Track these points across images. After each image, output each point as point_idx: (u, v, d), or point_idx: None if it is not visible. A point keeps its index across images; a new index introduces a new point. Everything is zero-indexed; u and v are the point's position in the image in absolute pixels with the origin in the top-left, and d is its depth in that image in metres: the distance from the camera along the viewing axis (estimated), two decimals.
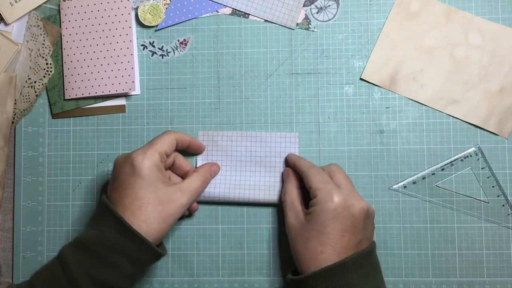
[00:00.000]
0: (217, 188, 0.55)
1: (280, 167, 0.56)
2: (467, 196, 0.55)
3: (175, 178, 0.54)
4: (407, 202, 0.56)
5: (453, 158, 0.55)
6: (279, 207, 0.56)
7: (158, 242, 0.48)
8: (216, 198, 0.55)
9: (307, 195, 0.51)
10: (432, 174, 0.55)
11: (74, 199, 0.58)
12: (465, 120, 0.55)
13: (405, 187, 0.55)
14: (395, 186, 0.55)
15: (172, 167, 0.54)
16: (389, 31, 0.56)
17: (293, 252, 0.49)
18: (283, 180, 0.55)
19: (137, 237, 0.45)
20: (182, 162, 0.54)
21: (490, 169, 0.55)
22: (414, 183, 0.55)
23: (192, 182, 0.51)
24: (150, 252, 0.46)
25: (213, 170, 0.55)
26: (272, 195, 0.55)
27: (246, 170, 0.56)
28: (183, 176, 0.54)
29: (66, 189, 0.58)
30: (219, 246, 0.56)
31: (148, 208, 0.46)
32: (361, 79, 0.56)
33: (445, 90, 0.55)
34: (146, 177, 0.47)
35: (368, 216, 0.49)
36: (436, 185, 0.55)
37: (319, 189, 0.48)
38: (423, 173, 0.55)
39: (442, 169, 0.55)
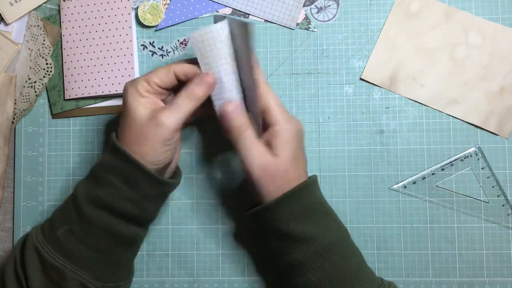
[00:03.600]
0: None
1: None
2: (467, 196, 0.55)
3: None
4: (407, 202, 0.56)
5: (453, 158, 0.55)
6: None
7: (159, 167, 0.47)
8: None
9: None
10: (432, 174, 0.55)
11: None
12: (465, 120, 0.55)
13: (405, 187, 0.55)
14: (395, 186, 0.55)
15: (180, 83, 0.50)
16: (389, 31, 0.56)
17: (260, 188, 0.47)
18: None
19: (124, 154, 0.46)
20: (186, 69, 0.49)
21: (490, 169, 0.55)
22: (414, 183, 0.55)
23: (176, 99, 0.47)
24: (141, 172, 0.46)
25: (206, 83, 0.48)
26: None
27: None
28: None
29: (66, 189, 0.58)
30: (219, 246, 0.56)
31: (138, 138, 0.46)
32: (361, 79, 0.56)
33: (445, 90, 0.55)
34: (130, 104, 0.47)
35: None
36: (436, 185, 0.55)
37: (279, 118, 0.48)
38: (423, 173, 0.55)
39: (442, 169, 0.55)
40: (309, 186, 0.48)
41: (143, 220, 0.49)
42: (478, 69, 0.55)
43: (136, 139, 0.46)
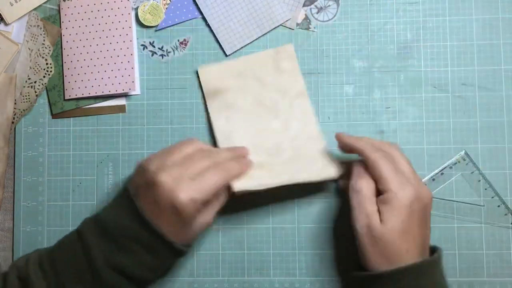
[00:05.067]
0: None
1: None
2: (461, 202, 0.55)
3: None
4: None
5: (441, 167, 0.55)
6: (279, 207, 0.56)
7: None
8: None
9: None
10: None
11: (74, 199, 0.58)
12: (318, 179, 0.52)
13: None
14: None
15: None
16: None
17: (368, 251, 0.46)
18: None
19: (150, 225, 0.45)
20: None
21: (480, 172, 0.55)
22: None
23: (215, 202, 0.49)
24: (164, 243, 0.46)
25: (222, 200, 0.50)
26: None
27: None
28: None
29: (66, 189, 0.58)
30: (219, 246, 0.56)
31: (176, 234, 0.47)
32: None
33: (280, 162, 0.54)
34: (185, 220, 0.46)
35: (431, 204, 0.47)
36: None
37: (392, 183, 0.45)
38: None
39: (433, 179, 0.55)
40: (431, 265, 0.45)
41: (153, 282, 0.50)
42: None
43: (173, 226, 0.46)
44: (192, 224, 0.47)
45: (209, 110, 0.56)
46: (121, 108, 0.58)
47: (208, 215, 0.49)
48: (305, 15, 0.57)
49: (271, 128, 0.55)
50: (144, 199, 0.46)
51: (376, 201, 0.47)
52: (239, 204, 0.56)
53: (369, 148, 0.47)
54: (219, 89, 0.56)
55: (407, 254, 0.44)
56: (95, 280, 0.46)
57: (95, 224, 0.47)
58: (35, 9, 0.58)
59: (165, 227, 0.46)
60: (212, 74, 0.56)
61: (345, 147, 0.50)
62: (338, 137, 0.50)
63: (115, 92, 0.57)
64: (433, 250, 0.48)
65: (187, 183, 0.45)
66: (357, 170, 0.48)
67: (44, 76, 0.58)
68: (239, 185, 0.49)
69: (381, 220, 0.45)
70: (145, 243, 0.46)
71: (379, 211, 0.46)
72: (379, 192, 0.47)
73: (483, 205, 0.55)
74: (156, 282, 0.55)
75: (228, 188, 0.49)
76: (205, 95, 0.56)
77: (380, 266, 0.45)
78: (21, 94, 0.58)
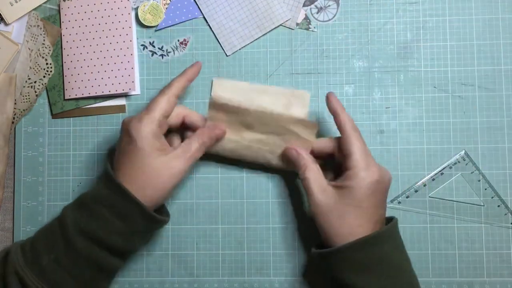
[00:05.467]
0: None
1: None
2: (461, 202, 0.55)
3: (177, 141, 0.53)
4: (406, 203, 0.56)
5: (441, 167, 0.55)
6: (279, 207, 0.56)
7: (155, 207, 0.48)
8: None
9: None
10: (424, 186, 0.55)
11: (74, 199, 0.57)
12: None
13: (399, 202, 0.55)
14: (390, 205, 0.55)
15: (183, 125, 0.53)
16: None
17: (323, 228, 0.48)
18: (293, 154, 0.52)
19: (121, 189, 0.46)
20: (194, 118, 0.52)
21: (480, 172, 0.55)
22: (407, 197, 0.55)
23: (189, 147, 0.49)
24: (137, 208, 0.46)
25: (215, 134, 0.51)
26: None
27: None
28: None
29: (66, 189, 0.58)
30: (219, 246, 0.56)
31: (143, 178, 0.47)
32: None
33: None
34: (141, 147, 0.47)
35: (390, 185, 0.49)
36: (429, 196, 0.55)
37: (359, 161, 0.47)
38: (415, 186, 0.55)
39: (433, 179, 0.55)
40: (378, 238, 0.46)
41: (127, 253, 0.49)
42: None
43: (142, 179, 0.46)
44: (159, 163, 0.47)
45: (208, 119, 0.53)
46: (121, 108, 0.58)
47: (178, 160, 0.48)
48: (305, 15, 0.57)
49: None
50: (116, 157, 0.48)
51: (333, 179, 0.50)
52: (239, 203, 0.56)
53: (349, 124, 0.49)
54: (226, 105, 0.53)
55: (359, 229, 0.46)
56: (67, 247, 0.46)
57: (72, 203, 0.49)
58: (35, 9, 0.58)
59: (132, 180, 0.46)
60: (225, 89, 0.56)
61: (330, 108, 0.51)
62: (328, 97, 0.51)
63: (115, 92, 0.57)
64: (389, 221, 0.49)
65: (138, 113, 0.49)
66: (303, 162, 0.50)
67: (44, 76, 0.58)
68: (216, 89, 0.54)
69: (334, 198, 0.47)
70: (113, 206, 0.46)
71: (339, 186, 0.47)
72: (343, 169, 0.48)
73: (483, 205, 0.55)
74: (133, 253, 0.53)
75: (202, 137, 0.50)
76: (210, 105, 0.52)
77: (335, 243, 0.47)
78: (21, 94, 0.58)
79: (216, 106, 0.52)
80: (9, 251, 0.48)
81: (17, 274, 0.46)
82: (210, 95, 0.57)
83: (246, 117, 0.52)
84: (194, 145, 0.49)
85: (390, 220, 0.49)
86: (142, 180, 0.47)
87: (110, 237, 0.46)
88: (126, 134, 0.48)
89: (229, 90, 0.56)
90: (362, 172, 0.47)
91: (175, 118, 0.51)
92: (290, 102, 0.55)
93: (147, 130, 0.47)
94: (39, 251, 0.47)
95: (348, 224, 0.46)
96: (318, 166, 0.50)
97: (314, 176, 0.49)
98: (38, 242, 0.48)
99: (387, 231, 0.47)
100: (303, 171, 0.49)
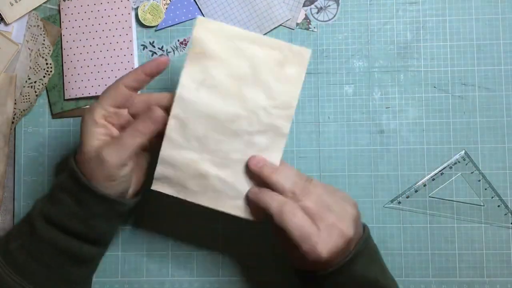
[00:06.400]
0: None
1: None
2: (461, 202, 0.55)
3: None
4: (406, 203, 0.56)
5: (441, 167, 0.55)
6: None
7: (115, 192, 0.47)
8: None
9: None
10: (424, 186, 0.55)
11: None
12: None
13: (399, 202, 0.55)
14: (390, 205, 0.55)
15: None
16: None
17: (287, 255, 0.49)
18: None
19: (73, 172, 0.46)
20: (160, 98, 0.48)
21: (480, 172, 0.55)
22: (407, 197, 0.55)
23: (121, 135, 0.46)
24: (86, 189, 0.45)
25: (153, 120, 0.46)
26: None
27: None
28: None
29: None
30: (218, 246, 0.56)
31: (88, 166, 0.46)
32: None
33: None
34: (87, 135, 0.46)
35: (358, 217, 0.46)
36: (429, 196, 0.55)
37: (300, 242, 0.43)
38: (415, 186, 0.55)
39: (433, 179, 0.55)
40: (339, 269, 0.45)
41: (93, 238, 0.48)
42: None
43: (88, 168, 0.46)
44: (96, 159, 0.45)
45: (185, 67, 0.47)
46: None
47: (110, 149, 0.45)
48: (305, 15, 0.57)
49: (232, 129, 0.47)
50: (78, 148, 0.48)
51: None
52: None
53: (274, 202, 0.45)
54: (208, 50, 0.46)
55: (330, 264, 0.44)
56: (31, 232, 0.47)
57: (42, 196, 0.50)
58: (35, 9, 0.58)
59: (87, 169, 0.45)
60: (210, 31, 0.47)
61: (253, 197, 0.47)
62: (252, 167, 0.47)
63: None
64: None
65: (93, 105, 0.46)
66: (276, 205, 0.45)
67: (44, 76, 0.58)
68: (156, 186, 0.48)
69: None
70: (70, 191, 0.46)
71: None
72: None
73: (483, 205, 0.55)
74: (103, 238, 0.50)
75: (143, 123, 0.46)
76: (191, 49, 0.46)
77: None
78: (21, 94, 0.58)
79: (196, 51, 0.46)
80: None
81: None
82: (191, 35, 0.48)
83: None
84: (125, 133, 0.45)
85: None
86: (89, 173, 0.46)
87: (69, 220, 0.46)
88: (80, 125, 0.47)
89: (213, 35, 0.46)
90: (307, 253, 0.43)
91: (140, 105, 0.47)
92: (286, 58, 0.47)
93: (90, 119, 0.46)
94: (9, 239, 0.48)
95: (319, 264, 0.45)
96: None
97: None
98: (11, 231, 0.49)
99: (354, 254, 0.45)
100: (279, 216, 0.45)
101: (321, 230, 0.43)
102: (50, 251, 0.46)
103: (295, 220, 0.43)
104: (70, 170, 0.47)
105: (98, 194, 0.45)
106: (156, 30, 0.58)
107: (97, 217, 0.47)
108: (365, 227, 0.48)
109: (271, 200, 0.45)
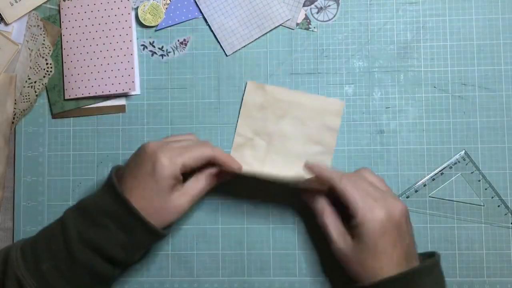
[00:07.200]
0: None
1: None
2: (461, 202, 0.55)
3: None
4: (407, 203, 0.56)
5: (441, 167, 0.55)
6: (279, 207, 0.56)
7: (162, 226, 0.49)
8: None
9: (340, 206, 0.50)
10: (424, 186, 0.55)
11: (74, 199, 0.58)
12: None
13: None
14: None
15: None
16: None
17: (347, 271, 0.48)
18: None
19: (127, 203, 0.46)
20: (222, 159, 0.52)
21: (480, 172, 0.55)
22: (407, 197, 0.55)
23: (196, 186, 0.50)
24: (142, 224, 0.47)
25: (219, 176, 0.52)
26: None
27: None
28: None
29: (66, 189, 0.58)
30: (219, 246, 0.56)
31: (150, 210, 0.47)
32: None
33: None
34: (160, 184, 0.47)
35: (407, 216, 0.48)
36: (429, 196, 0.55)
37: (359, 208, 0.46)
38: (415, 186, 0.55)
39: (433, 179, 0.55)
40: (402, 280, 0.45)
41: (126, 264, 0.49)
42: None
43: (148, 206, 0.47)
44: (167, 200, 0.48)
45: (240, 117, 0.56)
46: (121, 108, 0.58)
47: (184, 198, 0.49)
48: (305, 15, 0.57)
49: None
50: (127, 175, 0.48)
51: (346, 225, 0.49)
52: (238, 204, 0.56)
53: (336, 176, 0.48)
54: (258, 104, 0.56)
55: (382, 271, 0.45)
56: (69, 257, 0.46)
57: (76, 207, 0.49)
58: (35, 9, 0.58)
59: (141, 203, 0.47)
60: (258, 89, 0.56)
61: (316, 177, 0.50)
62: (308, 169, 0.50)
63: (115, 92, 0.57)
64: (431, 255, 0.49)
65: (171, 149, 0.49)
66: (319, 206, 0.51)
67: (44, 76, 0.58)
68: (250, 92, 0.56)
69: (351, 244, 0.47)
70: (119, 220, 0.47)
71: (352, 232, 0.48)
72: (349, 215, 0.48)
73: (483, 205, 0.55)
74: (131, 265, 0.54)
75: (210, 177, 0.51)
76: (243, 104, 0.56)
77: (362, 280, 0.47)
78: (21, 94, 0.58)
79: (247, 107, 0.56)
80: (9, 252, 0.48)
81: (17, 278, 0.46)
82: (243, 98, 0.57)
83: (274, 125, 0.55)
84: (200, 184, 0.51)
85: (432, 254, 0.48)
86: (148, 207, 0.47)
87: (113, 248, 0.47)
88: (148, 162, 0.48)
89: (261, 92, 0.56)
90: (366, 220, 0.46)
91: (198, 161, 0.50)
92: (324, 109, 0.56)
93: (170, 171, 0.48)
94: (39, 256, 0.47)
95: (369, 268, 0.46)
96: (334, 209, 0.50)
97: (332, 221, 0.49)
98: (39, 245, 0.48)
99: (422, 267, 0.46)
100: (321, 215, 0.50)
101: (377, 201, 0.47)
102: (84, 274, 0.47)
103: (355, 186, 0.48)
104: (119, 198, 0.47)
105: (150, 228, 0.47)
106: (156, 30, 0.58)
107: (141, 246, 0.49)
108: (436, 253, 0.49)
109: (332, 172, 0.49)
